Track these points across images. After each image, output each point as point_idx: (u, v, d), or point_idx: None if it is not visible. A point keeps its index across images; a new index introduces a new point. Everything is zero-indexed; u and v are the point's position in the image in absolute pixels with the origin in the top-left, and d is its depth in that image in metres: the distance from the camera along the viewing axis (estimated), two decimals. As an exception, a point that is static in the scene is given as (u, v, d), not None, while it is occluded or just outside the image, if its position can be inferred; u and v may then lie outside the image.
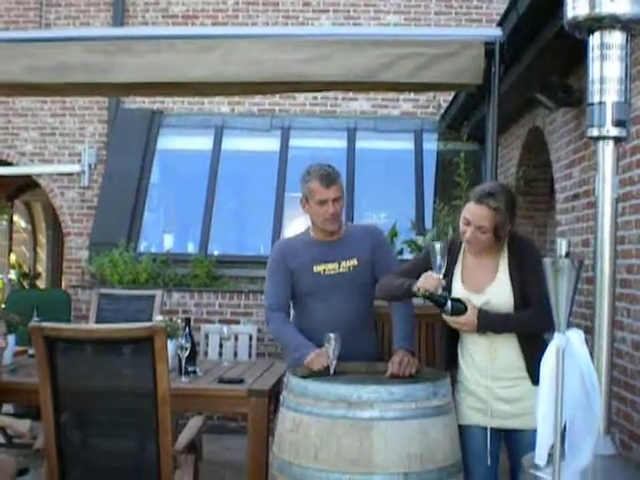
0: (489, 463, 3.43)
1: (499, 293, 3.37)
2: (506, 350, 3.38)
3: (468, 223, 3.35)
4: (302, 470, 3.19)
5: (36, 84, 4.97)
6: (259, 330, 6.68)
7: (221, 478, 5.36)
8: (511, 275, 3.37)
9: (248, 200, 9.26)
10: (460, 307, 3.31)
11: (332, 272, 4.00)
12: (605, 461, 2.45)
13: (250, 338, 6.34)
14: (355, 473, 3.10)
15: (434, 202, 8.17)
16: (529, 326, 3.35)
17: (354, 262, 4.01)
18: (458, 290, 3.44)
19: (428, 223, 8.17)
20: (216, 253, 8.39)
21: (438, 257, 3.30)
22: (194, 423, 4.14)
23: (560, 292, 2.24)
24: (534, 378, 3.25)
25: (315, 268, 4.00)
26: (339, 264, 4.00)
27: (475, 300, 3.36)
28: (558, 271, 2.22)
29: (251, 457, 4.20)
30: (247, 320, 7.25)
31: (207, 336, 6.31)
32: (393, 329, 3.97)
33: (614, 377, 3.02)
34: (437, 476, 3.18)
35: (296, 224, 9.05)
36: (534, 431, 3.11)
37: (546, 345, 2.79)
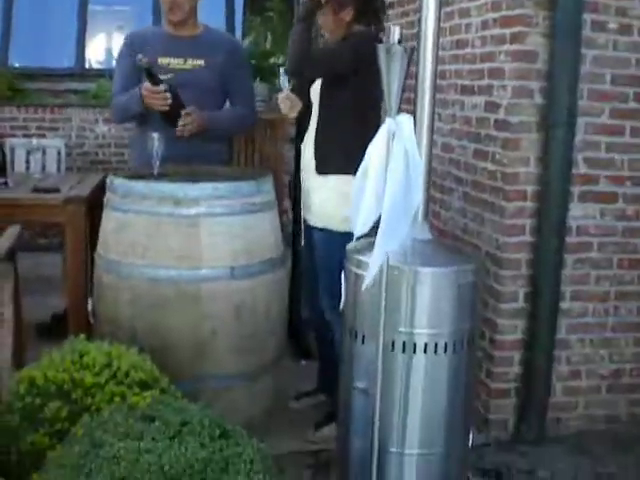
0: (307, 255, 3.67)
1: None
2: (310, 141, 3.47)
3: None
4: (130, 268, 3.23)
5: None
6: (67, 145, 6.50)
7: (38, 290, 5.28)
8: None
9: (50, 10, 8.73)
10: None
11: (176, 67, 3.84)
12: (422, 244, 2.61)
13: (58, 152, 6.19)
14: (183, 268, 3.17)
15: (244, 13, 8.04)
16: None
17: (201, 62, 3.87)
18: None
19: (238, 34, 8.04)
20: (17, 65, 7.96)
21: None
22: (11, 231, 4.03)
23: (392, 78, 2.30)
24: (317, 167, 3.41)
25: (160, 60, 3.81)
26: (185, 60, 3.86)
27: None
28: (391, 57, 2.28)
29: (71, 267, 4.12)
30: (54, 135, 7.01)
31: (13, 150, 6.09)
32: None
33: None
34: (262, 268, 3.32)
35: (100, 38, 8.72)
36: (316, 229, 3.39)
37: (344, 137, 2.94)
